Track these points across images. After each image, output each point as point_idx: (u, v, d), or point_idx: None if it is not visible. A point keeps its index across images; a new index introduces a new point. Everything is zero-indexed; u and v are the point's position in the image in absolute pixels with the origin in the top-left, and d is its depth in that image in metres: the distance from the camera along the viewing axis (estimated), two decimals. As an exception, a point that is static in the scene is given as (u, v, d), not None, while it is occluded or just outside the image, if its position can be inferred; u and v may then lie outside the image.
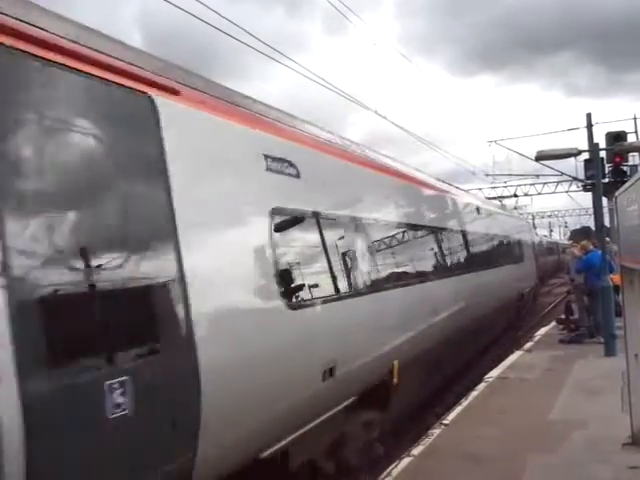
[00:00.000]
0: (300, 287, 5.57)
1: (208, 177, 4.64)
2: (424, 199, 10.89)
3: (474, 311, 12.34)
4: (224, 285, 4.51)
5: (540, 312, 24.83)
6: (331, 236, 6.43)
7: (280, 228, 5.38)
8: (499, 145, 28.84)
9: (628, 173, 18.04)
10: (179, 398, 3.86)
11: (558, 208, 70.69)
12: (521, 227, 24.22)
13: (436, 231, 10.87)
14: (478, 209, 15.77)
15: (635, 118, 24.05)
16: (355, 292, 6.67)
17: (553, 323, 17.41)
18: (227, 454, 4.46)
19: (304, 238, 5.96)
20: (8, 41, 3.13)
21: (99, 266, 3.44)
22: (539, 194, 39.97)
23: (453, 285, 10.98)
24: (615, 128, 19.50)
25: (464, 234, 13.12)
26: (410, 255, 9.23)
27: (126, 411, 3.38)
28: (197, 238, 4.25)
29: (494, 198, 37.00)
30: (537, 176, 34.32)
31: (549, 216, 61.94)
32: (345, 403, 6.36)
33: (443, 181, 14.06)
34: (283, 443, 5.15)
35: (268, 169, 5.38)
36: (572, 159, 18.83)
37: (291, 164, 5.74)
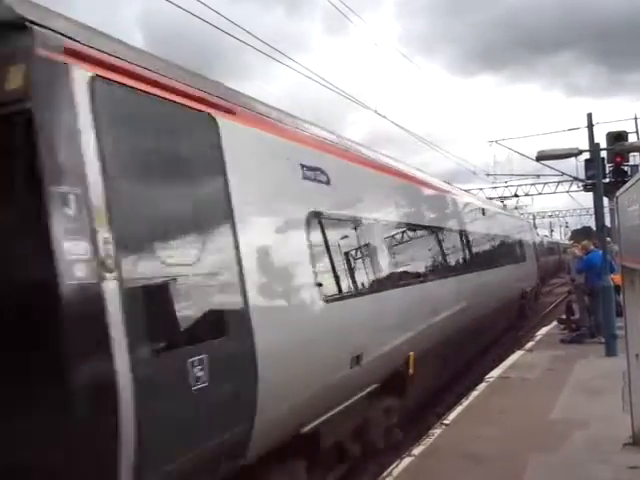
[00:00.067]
0: (331, 282, 6.20)
1: (257, 185, 5.22)
2: (438, 202, 11.74)
3: (481, 308, 13.00)
4: (273, 280, 5.16)
5: (541, 312, 24.83)
6: (357, 237, 7.13)
7: (315, 230, 6.06)
8: (500, 145, 28.79)
9: (629, 173, 18.02)
10: (241, 376, 4.48)
11: (559, 208, 70.84)
12: (523, 227, 24.67)
13: (449, 232, 11.64)
14: (484, 211, 16.47)
15: (636, 118, 24.01)
16: (378, 288, 7.30)
17: (554, 323, 17.42)
18: (276, 427, 5.04)
19: (334, 239, 6.54)
20: (123, 80, 3.90)
21: (187, 264, 4.12)
22: (540, 194, 39.92)
23: (462, 283, 11.58)
24: (616, 128, 19.53)
25: (473, 235, 13.88)
26: (426, 254, 9.95)
27: (205, 383, 4.02)
28: (251, 238, 4.87)
29: (495, 198, 37.03)
30: (538, 176, 34.30)
31: (550, 216, 61.86)
32: (368, 389, 6.90)
33: (451, 184, 14.72)
34: (319, 421, 5.78)
35: (305, 177, 6.05)
36: (573, 159, 18.84)
37: (322, 172, 6.39)
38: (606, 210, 15.73)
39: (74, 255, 3.34)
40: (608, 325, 11.97)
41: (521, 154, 26.32)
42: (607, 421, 7.48)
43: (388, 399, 7.76)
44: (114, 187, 3.64)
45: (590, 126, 20.45)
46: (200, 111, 4.59)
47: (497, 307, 15.50)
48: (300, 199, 5.96)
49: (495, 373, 11.17)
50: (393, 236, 8.48)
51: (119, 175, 3.72)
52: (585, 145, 17.46)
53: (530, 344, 14.31)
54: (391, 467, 6.63)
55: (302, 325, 5.46)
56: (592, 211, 26.00)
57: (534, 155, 15.62)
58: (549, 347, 13.67)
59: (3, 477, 3.14)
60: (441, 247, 10.90)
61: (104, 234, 3.52)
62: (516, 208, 41.60)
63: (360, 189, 7.62)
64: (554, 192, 39.04)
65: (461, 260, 12.35)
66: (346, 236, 6.89)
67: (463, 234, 12.95)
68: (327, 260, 6.24)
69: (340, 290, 6.35)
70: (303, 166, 6.04)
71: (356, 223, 7.15)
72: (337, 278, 6.36)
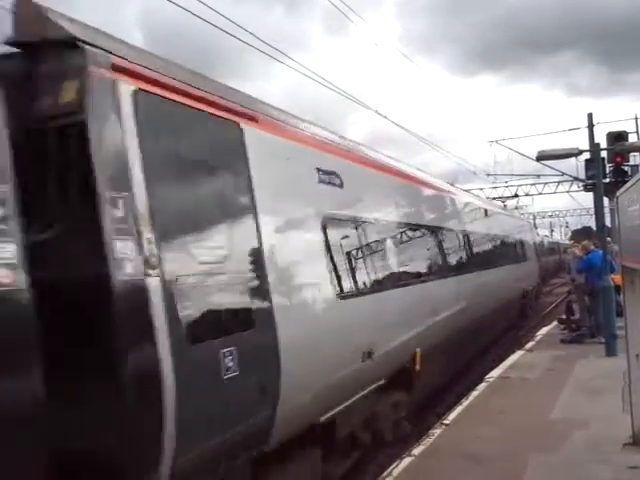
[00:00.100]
0: (344, 281, 6.50)
1: (277, 188, 5.54)
2: (443, 204, 12.19)
3: (484, 306, 13.38)
4: (293, 278, 5.50)
5: (541, 312, 24.84)
6: (367, 237, 7.47)
7: (329, 231, 6.35)
8: (500, 145, 28.76)
9: (629, 173, 18.02)
10: (266, 366, 4.82)
11: (559, 208, 70.71)
12: (524, 228, 25.07)
13: (454, 232, 12.05)
14: (488, 211, 16.89)
15: (636, 118, 23.99)
16: (387, 286, 7.66)
17: (554, 323, 17.42)
18: (296, 415, 5.33)
19: (347, 239, 6.91)
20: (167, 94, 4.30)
21: (218, 262, 4.48)
22: (540, 194, 39.85)
23: (467, 282, 11.91)
24: (616, 128, 19.51)
25: (478, 235, 14.34)
26: (432, 254, 10.28)
27: (235, 373, 4.35)
28: (272, 239, 5.20)
29: (495, 198, 37.01)
30: (538, 176, 34.25)
31: (550, 216, 61.74)
32: (378, 383, 7.23)
33: (454, 185, 15.24)
34: (335, 411, 6.12)
35: (320, 180, 6.39)
36: (573, 159, 18.85)
37: (337, 176, 6.73)
38: (606, 210, 15.72)
39: (123, 254, 3.67)
40: (608, 325, 11.96)
41: (521, 154, 26.34)
42: (607, 421, 7.48)
43: (396, 393, 8.06)
44: (155, 191, 3.98)
45: (590, 126, 20.42)
46: (227, 119, 4.94)
47: (499, 306, 15.77)
48: (315, 201, 6.27)
49: (495, 373, 11.17)
50: (401, 236, 8.81)
51: (159, 179, 4.05)
52: (585, 145, 17.43)
53: (530, 344, 14.31)
54: (391, 467, 6.64)
55: (319, 320, 5.80)
56: (592, 211, 25.97)
57: (534, 155, 15.62)
58: (549, 347, 13.67)
59: (65, 461, 3.35)
60: (446, 247, 11.21)
61: (148, 234, 3.86)
62: (516, 208, 41.59)
63: (370, 191, 7.96)
64: (554, 192, 39.00)
65: (465, 260, 12.65)
66: (357, 236, 7.22)
67: (468, 234, 13.27)
68: (340, 260, 6.54)
69: (352, 288, 6.66)
70: (319, 170, 6.38)
71: (367, 224, 7.48)
72: (349, 277, 6.69)
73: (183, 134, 4.45)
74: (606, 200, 16.66)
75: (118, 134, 3.83)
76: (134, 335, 3.68)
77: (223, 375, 4.27)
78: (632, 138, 20.37)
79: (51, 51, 3.77)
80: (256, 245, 4.95)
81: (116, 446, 3.57)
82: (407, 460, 6.78)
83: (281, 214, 5.53)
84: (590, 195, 23.95)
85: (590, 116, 20.26)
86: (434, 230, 10.61)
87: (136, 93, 4.01)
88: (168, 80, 4.37)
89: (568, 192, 37.62)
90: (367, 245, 7.43)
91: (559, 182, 36.98)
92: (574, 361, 11.64)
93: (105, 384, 3.58)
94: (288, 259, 5.44)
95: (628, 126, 68.04)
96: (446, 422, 8.16)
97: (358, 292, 6.76)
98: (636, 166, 20.31)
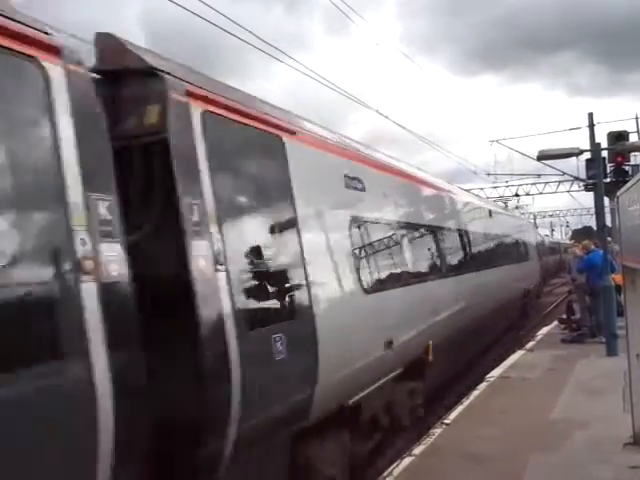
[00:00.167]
0: (369, 277, 7.18)
1: (313, 193, 6.16)
2: (456, 206, 13.02)
3: (490, 303, 14.08)
4: (327, 274, 6.13)
5: (542, 311, 24.84)
6: (387, 237, 8.16)
7: (355, 231, 7.05)
8: (501, 145, 28.72)
9: (630, 173, 18.00)
10: (307, 351, 5.45)
11: (560, 208, 70.69)
12: (526, 228, 25.72)
13: (464, 233, 12.77)
14: (494, 213, 17.58)
15: (637, 118, 23.91)
16: (405, 283, 8.32)
17: (555, 323, 17.41)
18: (330, 396, 5.89)
19: (369, 239, 7.55)
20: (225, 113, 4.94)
21: (269, 259, 5.13)
22: (541, 194, 39.80)
23: (475, 279, 12.56)
24: (617, 128, 19.51)
25: (485, 236, 15.13)
26: (445, 253, 10.94)
27: (283, 355, 4.97)
28: (310, 239, 5.82)
29: (495, 198, 36.99)
30: (539, 175, 34.22)
31: (550, 216, 61.63)
32: (397, 371, 7.84)
33: (460, 187, 16.05)
34: (360, 395, 6.67)
35: (347, 186, 7.06)
36: (574, 159, 18.83)
37: (360, 181, 7.37)
38: (607, 210, 15.70)
39: (198, 252, 4.28)
40: (609, 325, 11.96)
41: (522, 154, 26.17)
42: (608, 421, 7.48)
43: (411, 382, 8.64)
44: (219, 197, 4.59)
45: (591, 126, 20.38)
46: (273, 134, 5.60)
47: (503, 303, 16.26)
48: (343, 205, 6.94)
49: (496, 373, 11.17)
50: (416, 236, 9.52)
51: (222, 188, 4.66)
52: (586, 145, 17.38)
53: (531, 344, 14.31)
54: (392, 467, 6.64)
55: (348, 312, 6.40)
56: (593, 211, 25.90)
57: (535, 155, 15.64)
58: (550, 347, 13.67)
59: (157, 428, 3.75)
60: (457, 247, 12.00)
61: (216, 235, 4.49)
62: (517, 208, 41.59)
63: (387, 194, 8.57)
64: (555, 192, 38.96)
65: (473, 259, 13.23)
66: (379, 236, 7.89)
67: (476, 235, 13.96)
68: (364, 258, 7.22)
69: (375, 283, 7.31)
70: (346, 176, 7.05)
71: (385, 225, 8.18)
72: (372, 273, 7.34)
73: (239, 148, 5.13)
74: (607, 200, 16.65)
75: (192, 150, 4.45)
76: (208, 320, 4.25)
77: (274, 357, 4.89)
78: (633, 138, 20.32)
79: (133, 79, 4.35)
80: (297, 245, 5.60)
81: (196, 412, 4.13)
82: (407, 460, 6.78)
83: (315, 217, 6.15)
84: (591, 195, 23.93)
85: (591, 116, 20.22)
86: (446, 231, 11.32)
87: (204, 114, 4.63)
88: (226, 101, 5.01)
89: (569, 192, 37.63)
90: (386, 244, 8.11)
91: (560, 182, 36.96)
92: (575, 361, 11.64)
93: (187, 361, 4.15)
94: (322, 257, 6.10)
95: (629, 126, 68.11)
96: (447, 422, 8.16)
97: (379, 288, 7.37)
98: (637, 166, 20.29)
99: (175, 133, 4.29)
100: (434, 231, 10.56)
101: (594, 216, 21.43)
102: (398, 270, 8.32)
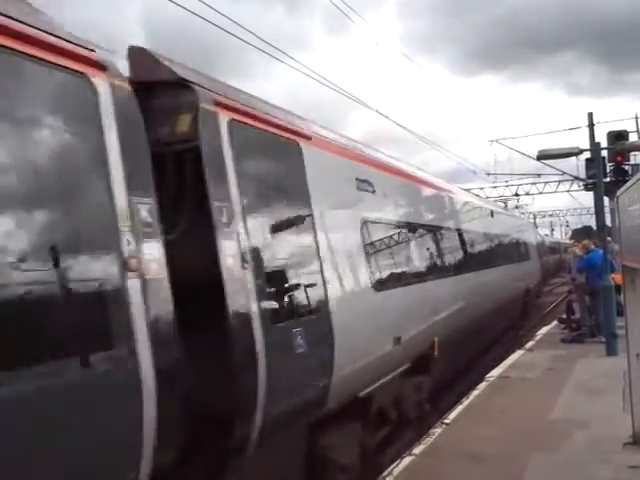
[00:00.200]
0: (380, 275, 7.54)
1: (328, 196, 6.46)
2: (460, 207, 13.48)
3: (492, 301, 14.44)
4: (341, 273, 6.44)
5: (542, 311, 24.85)
6: (394, 237, 8.52)
7: (366, 232, 7.37)
8: (501, 144, 28.64)
9: (629, 172, 17.99)
10: (324, 344, 5.78)
11: (559, 207, 70.56)
12: (527, 228, 26.35)
13: (468, 233, 13.16)
14: (496, 213, 18.03)
15: (637, 117, 23.89)
16: (412, 281, 8.70)
17: (555, 322, 17.42)
18: (344, 387, 6.18)
19: (379, 239, 7.91)
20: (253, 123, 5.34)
21: (288, 258, 5.48)
22: (540, 193, 39.76)
23: (478, 278, 12.93)
24: (617, 127, 19.51)
25: (488, 236, 15.57)
26: (450, 253, 11.35)
27: (303, 349, 5.30)
28: (325, 239, 6.15)
29: (495, 198, 36.97)
30: (538, 175, 34.14)
31: (550, 215, 61.60)
32: (405, 366, 8.15)
33: (462, 189, 16.67)
34: (371, 388, 6.96)
35: (358, 188, 7.39)
36: (573, 158, 18.79)
37: (370, 183, 7.69)
38: (607, 209, 15.70)
39: (228, 251, 4.60)
40: (609, 324, 11.97)
41: (522, 153, 26.12)
42: (608, 421, 7.48)
43: (418, 377, 8.96)
44: (244, 200, 4.89)
45: (591, 125, 20.39)
46: (291, 140, 5.93)
47: (505, 301, 16.67)
48: (355, 207, 7.29)
49: (496, 372, 11.18)
50: (423, 236, 9.91)
51: (246, 191, 4.95)
52: (586, 144, 17.38)
53: (530, 343, 14.31)
54: (392, 466, 6.64)
55: (360, 309, 6.73)
56: (593, 210, 25.89)
57: (535, 154, 15.63)
58: (550, 346, 13.68)
59: (197, 408, 4.04)
60: (461, 246, 12.36)
61: (242, 235, 4.79)
62: (517, 207, 41.58)
63: (395, 196, 8.94)
64: (555, 191, 38.93)
65: (477, 258, 13.67)
66: (387, 236, 8.24)
67: (480, 235, 14.49)
68: (374, 256, 7.54)
69: (383, 282, 7.62)
70: (357, 179, 7.39)
71: (394, 225, 8.56)
72: (381, 272, 7.67)
73: (261, 153, 5.50)
74: (606, 199, 16.66)
75: (220, 156, 4.75)
76: (237, 315, 4.57)
77: (295, 350, 5.23)
78: (632, 137, 20.31)
79: (165, 90, 4.64)
80: (314, 245, 5.95)
81: (227, 400, 4.46)
82: (407, 459, 6.79)
83: (330, 219, 6.41)
84: (590, 194, 23.89)
85: (590, 115, 20.23)
86: (451, 231, 11.74)
87: (230, 122, 4.93)
88: (248, 109, 5.33)
89: (568, 191, 37.62)
90: (394, 244, 8.46)
91: (559, 181, 36.92)
92: (574, 361, 11.64)
93: (217, 351, 4.46)
94: (337, 256, 6.43)
95: (628, 125, 67.96)
96: (447, 421, 8.16)
97: (388, 286, 7.70)
98: (636, 165, 20.28)
99: (205, 140, 4.60)
100: (439, 231, 10.90)
101: (594, 216, 21.44)
102: (405, 269, 8.70)
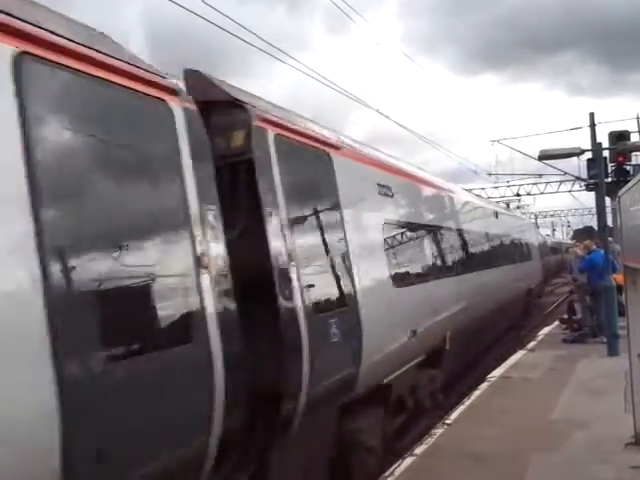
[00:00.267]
0: (398, 273, 8.10)
1: (355, 201, 7.06)
2: (469, 209, 14.11)
3: (498, 298, 15.12)
4: (367, 270, 6.96)
5: (543, 311, 24.83)
6: (411, 238, 9.27)
7: (387, 233, 8.03)
8: (502, 144, 28.66)
9: (631, 172, 18.02)
10: (354, 334, 6.33)
11: (561, 207, 70.60)
12: (529, 228, 26.66)
13: (476, 234, 13.85)
14: (500, 214, 18.46)
15: (638, 117, 23.83)
16: (427, 278, 9.35)
17: (556, 323, 17.41)
18: (371, 373, 6.70)
19: (397, 239, 8.58)
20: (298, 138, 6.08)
21: (326, 256, 6.11)
22: (542, 194, 39.75)
23: (485, 277, 13.48)
24: (618, 127, 19.50)
25: (493, 236, 16.08)
26: (460, 252, 12.03)
27: (337, 338, 5.91)
28: (353, 240, 6.68)
29: (496, 198, 36.93)
30: (540, 175, 34.18)
31: (552, 215, 61.58)
32: (420, 358, 8.79)
33: (469, 191, 17.44)
34: (391, 377, 7.55)
35: (379, 193, 8.03)
36: (575, 158, 18.82)
37: (389, 188, 8.32)
38: (608, 210, 15.67)
39: (277, 249, 5.21)
40: (610, 325, 11.96)
41: (523, 153, 26.11)
42: (609, 421, 7.48)
43: (431, 369, 9.54)
44: (288, 205, 5.49)
45: (592, 125, 20.33)
46: (323, 150, 6.53)
47: (510, 299, 17.20)
48: (377, 210, 7.91)
49: (497, 373, 11.17)
50: (436, 237, 10.50)
51: (289, 197, 5.52)
52: (587, 145, 17.35)
53: (532, 344, 14.30)
54: (393, 466, 6.64)
55: (384, 303, 7.29)
56: (594, 211, 25.94)
57: (536, 154, 15.64)
58: (551, 347, 13.67)
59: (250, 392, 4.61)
60: (470, 247, 12.94)
61: (288, 237, 5.39)
62: (518, 207, 41.55)
63: (411, 199, 9.64)
64: (556, 192, 38.92)
65: (484, 258, 14.26)
66: (404, 236, 8.90)
67: (486, 235, 15.06)
68: (393, 255, 8.15)
69: (403, 279, 8.22)
70: (378, 184, 8.01)
71: (410, 226, 9.20)
72: (399, 269, 8.25)
73: (299, 163, 6.07)
74: (608, 200, 16.63)
75: (269, 167, 5.35)
76: (286, 306, 5.17)
77: (331, 338, 5.81)
78: (634, 137, 20.27)
79: (220, 109, 5.19)
80: (344, 244, 6.52)
81: (279, 380, 5.09)
82: (409, 459, 6.78)
83: (357, 221, 7.00)
84: (592, 195, 23.96)
85: (592, 115, 20.16)
86: (461, 232, 12.32)
87: (276, 137, 5.52)
88: (289, 124, 5.93)
89: (570, 192, 37.62)
90: (410, 244, 9.17)
91: (561, 182, 36.92)
92: (576, 361, 11.64)
93: (272, 338, 5.04)
94: (364, 254, 6.98)
95: (630, 126, 67.86)
96: (448, 422, 8.16)
97: (406, 283, 8.30)
98: (638, 165, 20.31)
99: (257, 154, 5.22)
100: (449, 232, 11.51)
101: (595, 216, 21.47)
102: (420, 267, 9.38)
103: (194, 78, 5.14)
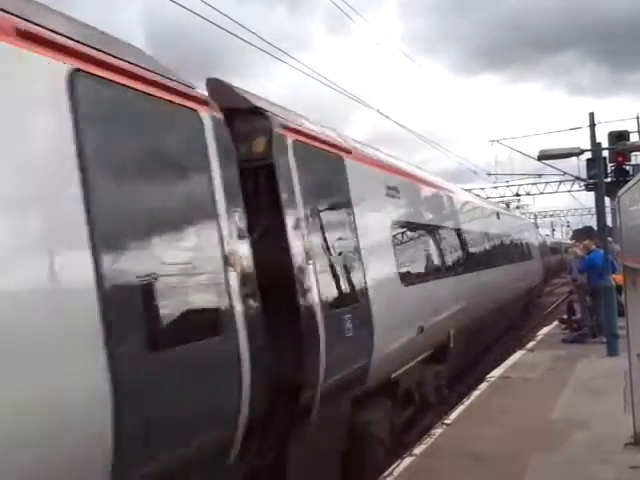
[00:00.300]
0: (405, 272, 8.40)
1: (365, 202, 7.30)
2: (472, 210, 14.57)
3: (500, 297, 15.48)
4: (378, 268, 7.28)
5: (543, 311, 24.84)
6: (418, 237, 9.63)
7: (394, 232, 8.35)
8: (501, 144, 28.69)
9: (631, 172, 18.02)
10: (365, 329, 6.58)
11: (560, 208, 70.63)
12: (529, 228, 27.12)
13: (479, 234, 14.22)
14: (502, 214, 18.85)
15: (638, 117, 23.84)
16: (433, 277, 9.66)
17: (555, 323, 17.42)
18: (380, 367, 6.95)
19: (404, 238, 8.91)
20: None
21: (338, 255, 6.28)
22: (541, 194, 39.79)
23: (486, 276, 13.74)
24: (618, 127, 19.50)
25: (496, 236, 16.41)
26: (463, 252, 12.28)
27: (351, 332, 6.17)
28: (364, 240, 6.94)
29: (496, 198, 36.94)
30: (539, 175, 34.20)
31: (551, 215, 61.61)
32: (426, 353, 9.13)
33: (469, 191, 17.77)
34: (400, 371, 7.86)
35: (387, 194, 8.32)
36: (574, 158, 18.82)
37: (395, 189, 8.60)
38: (608, 210, 15.68)
39: (296, 249, 5.45)
40: (610, 325, 11.96)
41: (523, 153, 26.11)
42: (609, 421, 7.48)
43: (437, 365, 9.83)
44: (306, 207, 5.74)
45: (592, 125, 20.32)
46: (336, 154, 6.82)
47: (511, 298, 17.52)
48: (386, 211, 8.21)
49: (496, 372, 11.18)
50: (441, 236, 10.80)
51: (307, 199, 5.78)
52: (587, 145, 17.36)
53: (531, 344, 14.30)
54: (392, 466, 6.63)
55: (393, 300, 7.58)
56: (594, 211, 25.89)
57: (536, 154, 15.64)
58: (550, 347, 13.67)
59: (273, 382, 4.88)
60: (473, 246, 13.30)
61: (306, 237, 5.64)
62: (518, 207, 41.56)
63: (415, 201, 9.93)
64: (556, 192, 38.95)
65: (487, 257, 14.58)
66: (410, 236, 9.24)
67: (488, 236, 15.36)
68: (401, 254, 8.40)
69: (410, 277, 8.52)
70: (386, 186, 8.29)
71: (416, 226, 9.51)
72: (407, 268, 8.56)
73: (316, 167, 6.30)
74: (607, 200, 16.64)
75: (288, 171, 5.60)
76: (305, 302, 5.43)
77: (345, 333, 6.07)
78: (634, 137, 20.27)
79: (241, 116, 5.38)
80: (357, 245, 6.79)
81: (297, 372, 5.35)
82: (408, 459, 6.78)
83: (367, 222, 7.24)
84: (591, 195, 23.94)
85: (592, 115, 20.16)
86: (464, 232, 12.60)
87: (294, 143, 5.77)
88: (305, 130, 6.21)
89: (569, 192, 37.63)
90: (416, 243, 9.49)
91: (560, 182, 36.93)
92: (575, 361, 11.64)
93: (292, 332, 5.32)
94: (374, 253, 7.23)
95: (629, 126, 67.91)
96: (447, 422, 8.16)
97: (413, 281, 8.60)
98: (638, 165, 20.32)
99: (278, 159, 5.47)
100: (453, 232, 11.83)
101: (595, 216, 21.45)
102: (426, 266, 9.67)
103: (216, 86, 5.39)
